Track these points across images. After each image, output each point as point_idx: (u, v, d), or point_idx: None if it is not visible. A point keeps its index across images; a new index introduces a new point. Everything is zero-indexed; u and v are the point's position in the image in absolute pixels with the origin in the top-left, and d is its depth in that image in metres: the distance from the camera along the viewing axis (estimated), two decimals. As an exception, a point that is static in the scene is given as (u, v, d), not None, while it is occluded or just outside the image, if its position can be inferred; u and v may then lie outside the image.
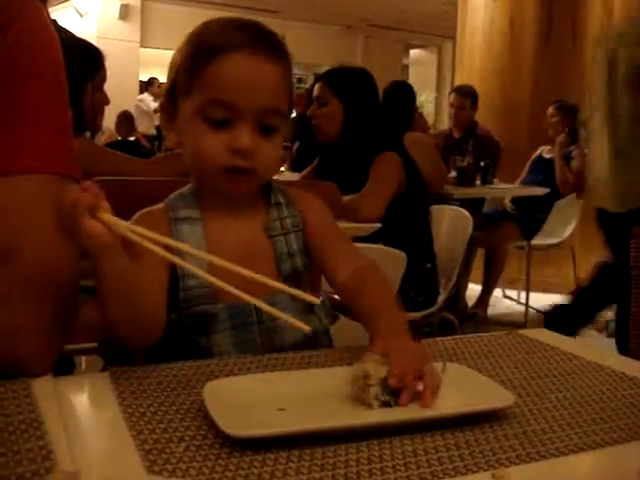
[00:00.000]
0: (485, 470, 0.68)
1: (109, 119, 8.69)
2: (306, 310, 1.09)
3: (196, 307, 1.05)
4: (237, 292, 0.86)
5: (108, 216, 0.84)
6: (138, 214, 1.11)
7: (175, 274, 1.05)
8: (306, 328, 0.87)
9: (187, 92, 1.06)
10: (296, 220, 1.15)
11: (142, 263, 0.93)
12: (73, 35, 2.59)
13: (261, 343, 1.07)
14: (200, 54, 1.05)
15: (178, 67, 1.09)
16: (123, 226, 0.86)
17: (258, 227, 1.12)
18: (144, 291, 0.95)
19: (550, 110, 5.02)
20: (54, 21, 1.44)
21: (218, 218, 1.11)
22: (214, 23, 1.10)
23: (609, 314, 4.11)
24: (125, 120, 8.43)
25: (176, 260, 0.91)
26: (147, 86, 11.24)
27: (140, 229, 0.87)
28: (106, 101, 2.74)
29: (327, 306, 1.15)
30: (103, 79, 2.64)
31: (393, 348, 0.86)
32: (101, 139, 7.05)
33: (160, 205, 1.13)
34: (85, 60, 2.48)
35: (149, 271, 0.96)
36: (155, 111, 10.20)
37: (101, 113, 2.87)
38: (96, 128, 3.00)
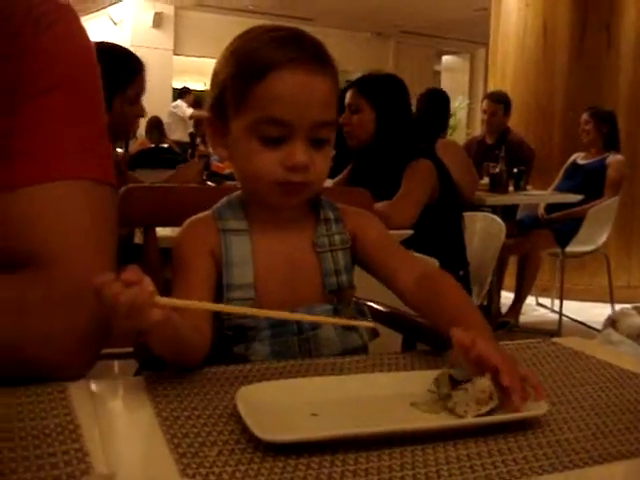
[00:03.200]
0: (518, 478, 0.67)
1: (140, 126, 8.76)
2: (347, 325, 1.09)
3: (238, 319, 1.06)
4: (282, 314, 0.88)
5: (164, 300, 0.81)
6: (187, 222, 1.11)
7: (220, 284, 1.06)
8: (371, 324, 0.89)
9: (237, 110, 1.05)
10: (345, 237, 1.14)
11: (190, 299, 0.94)
12: (109, 43, 2.57)
13: (299, 354, 1.06)
14: (248, 73, 1.03)
15: (224, 84, 1.07)
16: (179, 303, 0.86)
17: (306, 242, 1.12)
18: (191, 334, 0.93)
19: (584, 116, 4.97)
20: None
21: (266, 231, 1.10)
22: (256, 37, 1.07)
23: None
24: (155, 126, 8.39)
25: (221, 307, 0.94)
26: (181, 95, 11.27)
27: (193, 302, 0.91)
28: (141, 113, 2.67)
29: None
30: (139, 90, 2.57)
31: (488, 346, 0.85)
32: (134, 146, 7.10)
33: (207, 213, 1.13)
34: (118, 68, 2.44)
35: (196, 311, 0.95)
36: (190, 117, 10.24)
37: (134, 124, 2.80)
38: (127, 139, 2.96)
